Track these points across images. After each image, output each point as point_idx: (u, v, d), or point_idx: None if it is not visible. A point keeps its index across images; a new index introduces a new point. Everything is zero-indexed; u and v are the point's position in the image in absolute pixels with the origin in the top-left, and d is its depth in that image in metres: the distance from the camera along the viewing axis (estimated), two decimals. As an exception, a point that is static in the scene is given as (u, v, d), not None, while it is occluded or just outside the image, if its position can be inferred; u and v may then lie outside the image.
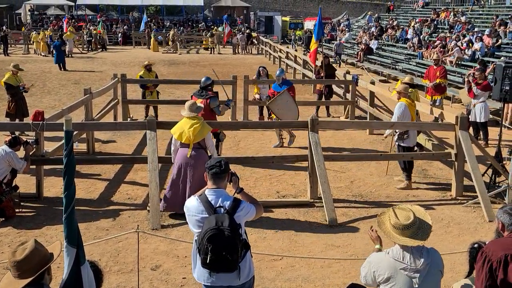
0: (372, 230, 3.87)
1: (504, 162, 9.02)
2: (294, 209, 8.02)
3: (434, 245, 6.76)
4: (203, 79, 10.05)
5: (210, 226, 3.78)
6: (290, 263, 6.34)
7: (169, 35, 38.92)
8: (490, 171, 8.93)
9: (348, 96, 14.35)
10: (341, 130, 11.83)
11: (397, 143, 9.13)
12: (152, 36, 38.34)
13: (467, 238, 6.95)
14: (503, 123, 10.27)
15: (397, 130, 8.91)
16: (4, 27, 42.13)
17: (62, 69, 25.87)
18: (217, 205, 3.94)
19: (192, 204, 4.05)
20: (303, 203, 8.24)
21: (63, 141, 3.03)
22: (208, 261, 3.75)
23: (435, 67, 14.15)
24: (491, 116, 12.70)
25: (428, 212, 7.95)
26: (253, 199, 4.28)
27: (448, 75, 19.08)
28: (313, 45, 13.03)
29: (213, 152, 7.59)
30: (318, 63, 15.98)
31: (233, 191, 4.21)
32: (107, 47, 39.71)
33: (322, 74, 15.16)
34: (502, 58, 16.84)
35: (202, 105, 8.11)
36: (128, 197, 8.52)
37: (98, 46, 38.81)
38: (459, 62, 20.52)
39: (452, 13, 29.05)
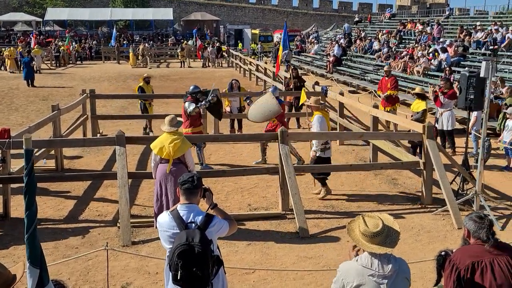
0: (353, 250, 3.90)
1: (471, 170, 9.20)
2: (266, 221, 8.02)
3: (404, 254, 6.88)
4: (191, 87, 10.91)
5: (181, 242, 3.74)
6: (263, 276, 6.32)
7: (138, 49, 38.74)
8: (458, 179, 9.11)
9: (318, 107, 14.45)
10: (308, 141, 11.92)
11: (317, 155, 9.07)
12: (130, 51, 38.11)
13: (437, 245, 7.04)
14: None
15: (316, 142, 8.98)
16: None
17: (31, 85, 25.49)
18: (189, 221, 3.91)
19: (164, 220, 4.01)
20: (275, 215, 8.24)
21: (24, 159, 2.96)
22: (178, 277, 3.71)
23: (386, 78, 14.43)
24: (457, 124, 12.97)
25: (398, 221, 8.05)
26: (227, 215, 4.26)
27: (416, 85, 19.49)
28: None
29: (193, 168, 7.54)
30: (287, 75, 16.13)
31: (207, 207, 4.18)
32: (77, 62, 39.46)
33: (291, 86, 15.28)
34: (467, 68, 17.24)
35: (182, 120, 8.04)
36: (98, 214, 8.40)
37: (70, 61, 38.60)
38: (426, 72, 20.96)
39: (417, 24, 29.66)
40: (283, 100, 11.78)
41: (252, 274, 6.38)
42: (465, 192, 8.85)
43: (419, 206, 8.73)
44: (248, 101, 11.65)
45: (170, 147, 7.20)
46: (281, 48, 13.43)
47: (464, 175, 8.86)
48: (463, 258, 3.73)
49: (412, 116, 11.69)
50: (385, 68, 15.50)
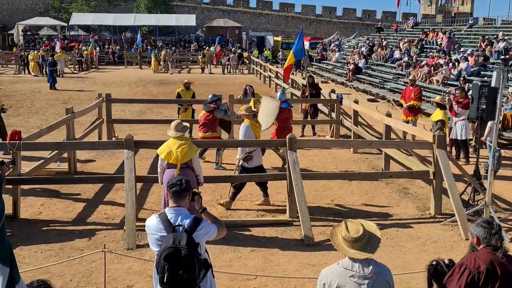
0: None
1: (482, 180, 9.05)
2: (272, 228, 8.00)
3: (409, 263, 6.81)
4: (210, 96, 11.28)
5: (167, 245, 3.76)
6: (264, 282, 6.30)
7: (160, 54, 39.17)
8: (469, 189, 8.97)
9: (334, 115, 14.42)
10: (323, 148, 11.87)
11: (241, 165, 9.00)
12: (152, 56, 38.65)
13: (443, 256, 6.86)
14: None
15: (240, 150, 8.94)
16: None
17: (53, 89, 25.97)
18: (176, 224, 3.93)
19: (152, 223, 4.04)
20: (281, 222, 8.21)
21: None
22: (165, 280, 3.73)
23: (411, 87, 14.27)
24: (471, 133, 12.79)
25: (405, 231, 8.03)
26: (216, 219, 4.27)
27: (434, 94, 19.27)
28: (288, 61, 13.31)
29: (200, 172, 7.57)
30: (304, 82, 16.14)
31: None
32: (99, 67, 40.04)
33: (306, 94, 15.26)
34: (485, 78, 17.00)
35: (188, 125, 8.05)
36: (106, 217, 8.48)
37: (93, 66, 39.32)
38: (445, 82, 20.70)
39: (439, 33, 29.36)
40: (291, 104, 11.75)
41: (254, 280, 6.37)
42: (475, 203, 8.70)
43: (428, 216, 8.61)
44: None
45: (178, 152, 7.20)
46: (290, 55, 13.44)
47: (474, 185, 8.72)
48: (477, 262, 3.67)
49: (431, 128, 11.59)
50: (409, 77, 15.37)
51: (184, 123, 7.71)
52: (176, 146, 7.23)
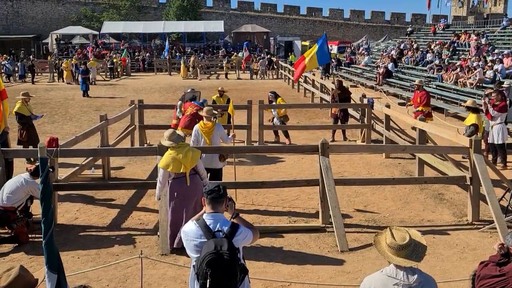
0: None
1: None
2: (305, 234, 7.94)
3: (447, 271, 6.67)
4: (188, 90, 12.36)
5: (209, 250, 3.78)
6: (298, 289, 6.25)
7: (189, 61, 39.54)
8: (508, 195, 8.74)
9: (365, 119, 14.28)
10: (355, 154, 11.75)
11: None
12: (181, 63, 39.13)
13: (482, 264, 6.75)
14: None
15: None
16: (31, 57, 43.48)
17: (86, 96, 26.48)
18: (216, 230, 3.96)
19: (190, 229, 4.05)
20: (314, 228, 8.15)
21: (39, 166, 3.02)
22: (208, 286, 3.74)
23: (418, 92, 14.09)
24: (510, 138, 12.50)
25: (442, 238, 7.87)
26: (249, 224, 4.30)
27: (468, 98, 18.89)
28: (311, 66, 13.41)
29: (205, 175, 7.58)
30: (333, 86, 16.10)
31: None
32: (130, 73, 40.75)
33: (336, 98, 15.18)
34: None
35: (182, 133, 7.92)
36: (140, 222, 8.56)
37: (124, 73, 40.03)
38: (480, 84, 20.30)
39: (472, 35, 28.83)
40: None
41: (288, 287, 6.32)
42: (515, 209, 8.47)
43: (466, 223, 8.43)
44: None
45: (186, 160, 7.05)
46: (307, 56, 13.46)
47: (513, 191, 8.49)
48: None
49: (464, 132, 11.39)
50: (416, 82, 15.26)
51: (178, 132, 7.63)
52: (182, 155, 7.07)
